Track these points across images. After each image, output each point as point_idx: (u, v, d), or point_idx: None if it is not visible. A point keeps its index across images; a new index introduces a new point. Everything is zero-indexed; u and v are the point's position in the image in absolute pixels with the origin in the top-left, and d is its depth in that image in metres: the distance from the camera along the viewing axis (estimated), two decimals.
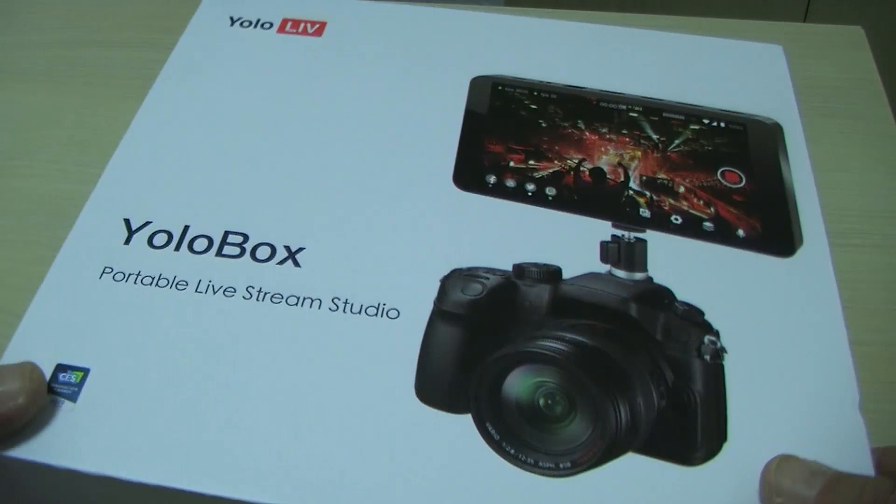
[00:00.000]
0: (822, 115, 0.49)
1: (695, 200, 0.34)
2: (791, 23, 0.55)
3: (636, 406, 0.28)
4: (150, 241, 0.32)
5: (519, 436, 0.28)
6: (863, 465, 0.27)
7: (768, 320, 0.31)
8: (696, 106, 0.37)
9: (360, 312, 0.30)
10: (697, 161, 0.35)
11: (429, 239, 0.33)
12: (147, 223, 0.33)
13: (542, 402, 0.28)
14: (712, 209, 0.33)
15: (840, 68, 0.52)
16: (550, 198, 0.34)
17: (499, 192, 0.34)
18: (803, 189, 0.35)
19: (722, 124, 0.36)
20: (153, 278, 0.31)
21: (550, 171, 0.35)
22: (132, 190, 0.35)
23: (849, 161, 0.46)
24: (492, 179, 0.35)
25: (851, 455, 0.27)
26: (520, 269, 0.31)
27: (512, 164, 0.35)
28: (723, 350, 0.29)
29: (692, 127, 0.36)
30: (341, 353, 0.29)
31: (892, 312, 0.39)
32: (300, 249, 0.32)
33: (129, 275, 0.32)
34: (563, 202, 0.34)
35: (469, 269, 0.31)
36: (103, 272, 0.32)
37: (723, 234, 0.33)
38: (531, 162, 0.35)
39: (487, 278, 0.31)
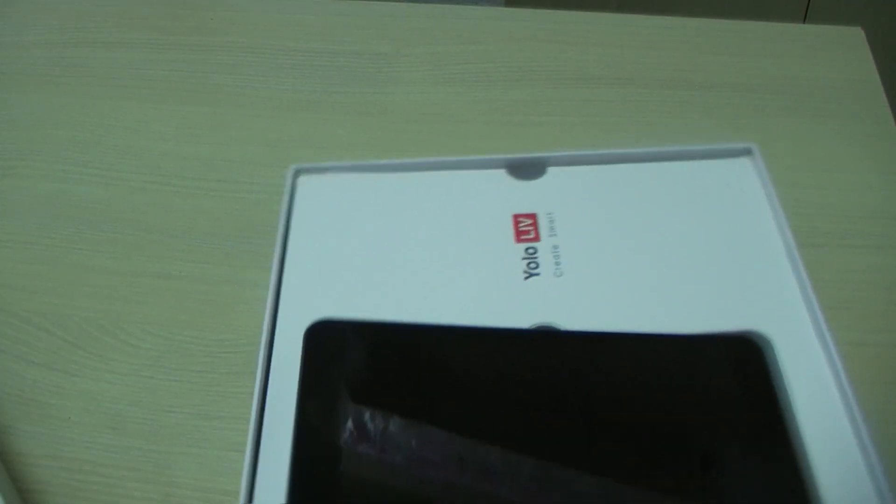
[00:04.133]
0: (821, 116, 0.49)
1: None
2: (791, 23, 0.55)
3: None
4: None
5: None
6: None
7: None
8: None
9: None
10: None
11: None
12: None
13: None
14: None
15: (840, 69, 0.52)
16: None
17: None
18: None
19: None
20: None
21: None
22: None
23: (849, 161, 0.46)
24: None
25: None
26: None
27: None
28: None
29: None
30: None
31: (893, 313, 0.39)
32: None
33: None
34: None
35: None
36: None
37: None
38: None
39: None
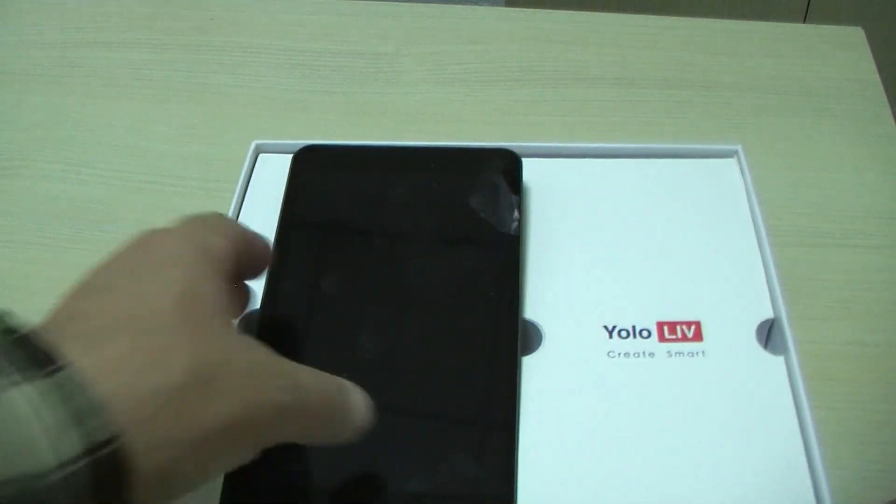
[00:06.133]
0: (822, 116, 0.49)
1: None
2: (791, 23, 0.55)
3: None
4: None
5: None
6: None
7: None
8: None
9: None
10: None
11: None
12: None
13: None
14: None
15: (840, 69, 0.52)
16: None
17: None
18: None
19: None
20: None
21: None
22: None
23: (849, 161, 0.46)
24: None
25: None
26: None
27: None
28: None
29: None
30: None
31: (893, 312, 0.39)
32: None
33: None
34: None
35: None
36: None
37: None
38: None
39: None
